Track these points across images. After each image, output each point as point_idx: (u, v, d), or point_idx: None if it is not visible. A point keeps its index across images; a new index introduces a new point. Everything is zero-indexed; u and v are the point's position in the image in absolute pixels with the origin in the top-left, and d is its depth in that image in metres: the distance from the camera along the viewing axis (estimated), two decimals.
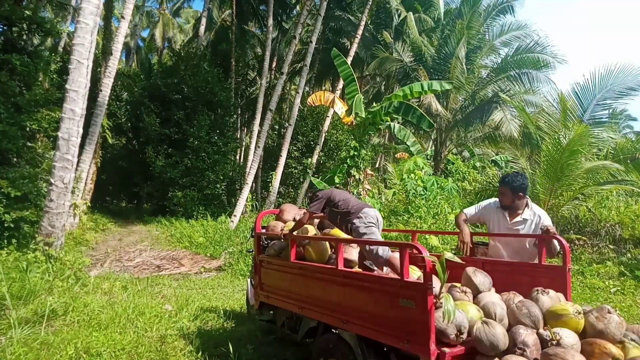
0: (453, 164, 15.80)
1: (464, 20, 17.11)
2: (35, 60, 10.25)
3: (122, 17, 12.55)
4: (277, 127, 23.15)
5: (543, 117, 11.57)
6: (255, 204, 16.62)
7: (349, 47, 18.81)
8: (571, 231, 9.14)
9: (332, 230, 4.32)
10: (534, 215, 3.89)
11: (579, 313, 2.80)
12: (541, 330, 2.73)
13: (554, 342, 2.60)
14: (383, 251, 3.73)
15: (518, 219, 3.90)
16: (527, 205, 3.92)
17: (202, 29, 22.09)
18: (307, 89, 22.49)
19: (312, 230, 4.29)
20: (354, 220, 3.87)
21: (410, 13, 19.32)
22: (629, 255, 8.31)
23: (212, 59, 19.48)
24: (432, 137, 19.52)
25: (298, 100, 16.32)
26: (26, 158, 10.26)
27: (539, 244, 3.71)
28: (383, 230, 4.66)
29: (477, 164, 17.27)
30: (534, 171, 9.70)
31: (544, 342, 2.65)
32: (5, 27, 9.79)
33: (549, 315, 2.87)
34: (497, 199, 4.08)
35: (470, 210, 4.20)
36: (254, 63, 25.05)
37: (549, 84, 16.64)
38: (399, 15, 20.26)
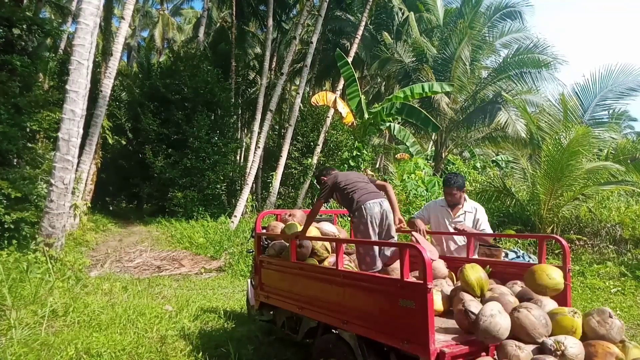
0: (453, 164, 15.79)
1: (466, 20, 17.10)
2: (35, 61, 10.27)
3: (122, 18, 12.56)
4: (277, 127, 23.13)
5: (544, 117, 11.58)
6: (256, 205, 16.60)
7: (349, 47, 18.80)
8: (571, 231, 9.14)
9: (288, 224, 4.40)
10: (471, 208, 4.49)
11: (575, 313, 2.78)
12: (544, 339, 2.67)
13: (559, 353, 2.53)
14: (371, 261, 3.72)
15: (460, 212, 4.47)
16: (465, 199, 4.54)
17: (201, 29, 22.09)
18: (307, 89, 22.49)
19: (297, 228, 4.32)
20: (355, 214, 3.83)
21: (412, 12, 19.33)
22: (629, 255, 8.30)
23: (211, 59, 19.48)
24: (433, 138, 19.52)
25: (298, 101, 16.32)
26: (26, 159, 10.27)
27: (538, 243, 3.75)
28: None
29: (478, 165, 17.27)
30: (534, 171, 9.71)
31: (547, 352, 2.59)
32: (5, 28, 9.79)
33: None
34: (436, 200, 4.81)
35: (418, 214, 4.77)
36: (254, 63, 25.05)
37: (553, 81, 16.65)
38: (403, 14, 20.26)
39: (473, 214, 4.45)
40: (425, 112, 14.65)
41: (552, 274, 3.08)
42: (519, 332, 2.76)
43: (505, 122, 15.90)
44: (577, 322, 2.74)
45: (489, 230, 4.47)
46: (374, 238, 3.75)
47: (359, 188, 3.90)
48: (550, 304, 3.05)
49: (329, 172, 4.43)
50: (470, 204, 4.53)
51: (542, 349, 2.64)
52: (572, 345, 2.57)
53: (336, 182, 4.03)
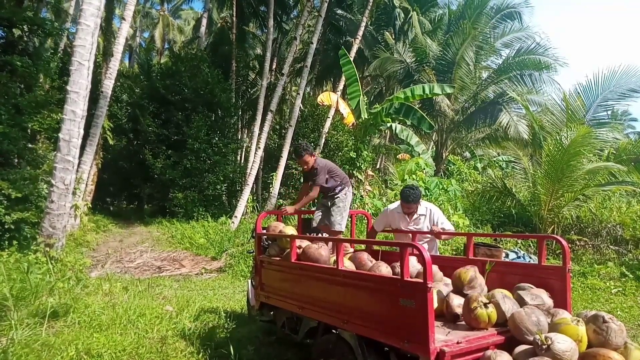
0: (454, 164, 15.76)
1: (468, 20, 17.08)
2: (36, 62, 10.28)
3: (123, 19, 12.55)
4: (277, 128, 23.11)
5: (546, 118, 11.57)
6: (256, 205, 16.58)
7: (351, 45, 18.79)
8: (572, 232, 9.12)
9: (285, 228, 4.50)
10: (424, 210, 4.78)
11: (578, 321, 2.76)
12: (535, 336, 2.68)
13: (544, 347, 2.54)
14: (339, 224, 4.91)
15: (415, 216, 4.79)
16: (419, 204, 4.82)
17: (202, 29, 22.07)
18: (307, 90, 22.46)
19: (290, 230, 4.43)
20: (344, 190, 5.05)
21: (415, 12, 19.34)
22: (630, 255, 8.28)
23: (212, 60, 19.46)
24: (433, 139, 19.51)
25: (299, 101, 16.29)
26: (27, 159, 10.29)
27: (538, 243, 3.76)
28: (384, 231, 5.36)
29: (479, 165, 17.24)
30: (535, 172, 9.70)
31: (535, 348, 2.60)
32: (6, 29, 9.81)
33: (550, 326, 2.85)
34: (394, 205, 5.02)
35: (378, 224, 5.17)
36: (254, 64, 25.04)
37: (552, 85, 16.68)
38: (406, 13, 20.25)
39: (428, 216, 4.76)
40: (420, 112, 14.65)
41: None
42: (514, 329, 2.80)
43: (507, 123, 15.90)
44: (581, 330, 2.71)
45: (450, 227, 4.86)
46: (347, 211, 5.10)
47: (343, 177, 5.17)
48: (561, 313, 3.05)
49: (313, 151, 5.16)
50: (424, 206, 4.81)
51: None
52: (561, 341, 2.56)
53: (330, 168, 5.10)
